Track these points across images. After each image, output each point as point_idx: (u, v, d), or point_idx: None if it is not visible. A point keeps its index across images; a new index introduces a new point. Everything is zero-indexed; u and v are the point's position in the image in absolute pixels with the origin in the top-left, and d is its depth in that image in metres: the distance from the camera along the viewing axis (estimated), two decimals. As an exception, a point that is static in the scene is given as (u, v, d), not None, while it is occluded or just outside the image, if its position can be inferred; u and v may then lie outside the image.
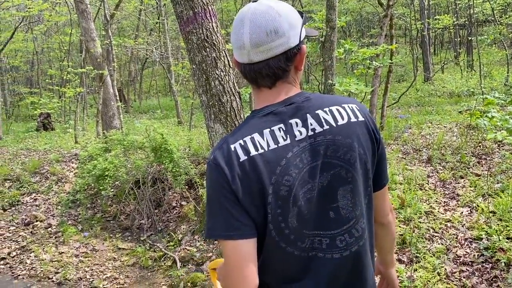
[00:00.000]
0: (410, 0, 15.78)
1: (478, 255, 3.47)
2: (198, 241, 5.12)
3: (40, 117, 12.14)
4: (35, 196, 6.75)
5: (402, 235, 3.83)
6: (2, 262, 5.20)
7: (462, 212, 4.13)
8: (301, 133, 1.05)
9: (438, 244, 3.70)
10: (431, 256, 3.54)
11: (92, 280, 4.71)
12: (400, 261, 3.57)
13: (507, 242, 3.47)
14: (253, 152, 1.02)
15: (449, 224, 3.96)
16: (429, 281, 3.26)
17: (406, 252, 3.66)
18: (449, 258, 3.51)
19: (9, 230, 5.95)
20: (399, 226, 3.97)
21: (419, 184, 4.74)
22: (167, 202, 6.02)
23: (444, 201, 4.40)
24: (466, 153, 5.27)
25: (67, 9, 12.86)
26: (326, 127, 1.06)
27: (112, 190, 6.27)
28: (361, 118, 1.11)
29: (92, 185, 6.31)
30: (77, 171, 7.11)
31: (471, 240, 3.68)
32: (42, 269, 4.96)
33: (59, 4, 13.16)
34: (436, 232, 3.86)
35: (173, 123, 11.64)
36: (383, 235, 1.31)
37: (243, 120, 2.02)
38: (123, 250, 5.39)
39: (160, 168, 6.08)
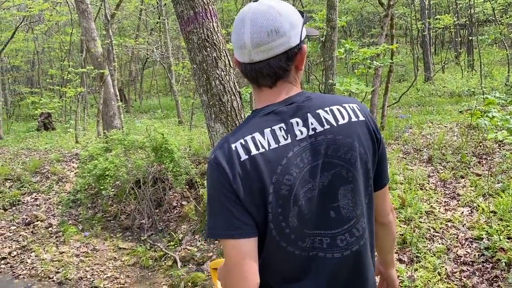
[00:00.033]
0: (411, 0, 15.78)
1: (478, 255, 3.47)
2: (199, 241, 5.12)
3: (40, 116, 12.14)
4: (35, 196, 6.76)
5: (402, 235, 3.83)
6: (3, 261, 5.21)
7: (462, 212, 4.13)
8: (301, 133, 1.05)
9: (439, 244, 3.70)
10: (431, 256, 3.54)
11: (93, 280, 4.72)
12: (400, 260, 3.57)
13: (507, 242, 3.47)
14: (254, 151, 1.02)
15: (449, 224, 3.95)
16: (430, 281, 3.26)
17: (406, 252, 3.67)
18: (450, 258, 3.51)
19: (10, 230, 5.96)
20: (400, 226, 3.97)
21: (419, 184, 4.74)
22: (168, 202, 6.02)
23: (445, 201, 4.40)
24: (466, 153, 5.27)
25: (68, 9, 12.88)
26: (326, 126, 1.06)
27: (113, 189, 6.28)
28: (361, 118, 1.11)
29: (93, 184, 6.32)
30: (77, 170, 7.12)
31: (471, 240, 3.68)
32: (42, 268, 4.97)
33: (60, 4, 13.18)
34: (437, 232, 3.86)
35: (173, 122, 11.65)
36: (384, 235, 1.31)
37: (243, 119, 2.02)
38: (123, 250, 5.39)
39: (161, 167, 6.08)
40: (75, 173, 7.19)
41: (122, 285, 4.63)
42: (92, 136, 9.74)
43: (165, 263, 4.93)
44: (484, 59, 12.58)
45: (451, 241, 3.70)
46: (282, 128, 1.05)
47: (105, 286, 4.61)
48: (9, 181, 7.05)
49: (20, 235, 5.80)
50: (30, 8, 10.97)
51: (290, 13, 1.06)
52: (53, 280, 4.77)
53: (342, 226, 1.08)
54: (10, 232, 5.90)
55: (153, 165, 6.03)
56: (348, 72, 17.03)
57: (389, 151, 5.68)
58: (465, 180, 4.72)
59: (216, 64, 2.90)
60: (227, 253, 1.03)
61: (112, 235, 5.76)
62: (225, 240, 1.02)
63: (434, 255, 3.56)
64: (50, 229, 5.95)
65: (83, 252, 5.34)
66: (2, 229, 5.97)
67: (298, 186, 1.03)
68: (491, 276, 3.21)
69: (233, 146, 1.03)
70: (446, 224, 3.96)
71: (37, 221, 6.12)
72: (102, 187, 5.77)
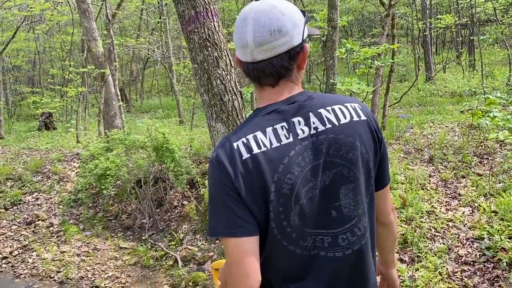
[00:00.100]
0: (412, -1, 15.75)
1: (479, 254, 3.47)
2: (200, 241, 5.13)
3: (42, 116, 12.15)
4: (37, 195, 6.77)
5: (403, 234, 3.83)
6: (4, 261, 5.21)
7: (463, 212, 4.12)
8: (303, 132, 1.05)
9: (440, 243, 3.69)
10: (432, 256, 3.54)
11: (94, 279, 4.72)
12: (401, 260, 3.57)
13: (508, 241, 3.46)
14: (255, 150, 1.02)
15: (450, 224, 3.95)
16: (431, 280, 3.26)
17: (407, 251, 3.66)
18: (451, 258, 3.51)
19: (11, 229, 5.97)
20: (401, 226, 3.97)
21: (420, 184, 4.74)
22: (169, 202, 6.03)
23: (446, 201, 4.40)
24: (468, 153, 5.26)
25: (69, 9, 12.88)
26: (328, 125, 1.06)
27: (114, 189, 6.29)
28: (363, 117, 1.11)
29: (94, 184, 6.32)
30: (78, 170, 7.13)
31: (472, 239, 3.68)
32: (44, 268, 4.97)
33: (61, 3, 13.18)
34: (438, 232, 3.86)
35: (174, 122, 11.66)
36: (385, 235, 1.31)
37: (244, 119, 2.02)
38: (124, 249, 5.40)
39: (162, 167, 6.08)
40: (76, 173, 7.20)
41: (123, 285, 4.64)
42: (93, 136, 9.74)
43: (166, 262, 4.94)
44: (485, 59, 12.56)
45: (452, 241, 3.70)
46: (284, 127, 1.05)
47: (106, 285, 4.62)
48: (10, 180, 7.06)
49: (21, 234, 5.81)
50: (31, 8, 10.98)
51: (293, 12, 1.06)
52: (54, 280, 4.78)
53: (344, 225, 1.08)
54: (11, 232, 5.91)
55: (154, 165, 6.03)
56: (349, 72, 17.01)
57: (390, 151, 5.68)
58: (466, 180, 4.71)
59: (217, 63, 2.90)
60: (228, 252, 1.03)
61: (113, 234, 5.77)
62: (227, 238, 1.02)
63: (435, 255, 3.55)
64: (51, 228, 5.95)
65: (84, 252, 5.34)
66: (4, 228, 5.98)
67: (299, 185, 1.03)
68: (492, 276, 3.21)
69: (234, 144, 1.03)
70: (447, 224, 3.95)
71: (38, 220, 6.13)
72: (103, 187, 5.78)
